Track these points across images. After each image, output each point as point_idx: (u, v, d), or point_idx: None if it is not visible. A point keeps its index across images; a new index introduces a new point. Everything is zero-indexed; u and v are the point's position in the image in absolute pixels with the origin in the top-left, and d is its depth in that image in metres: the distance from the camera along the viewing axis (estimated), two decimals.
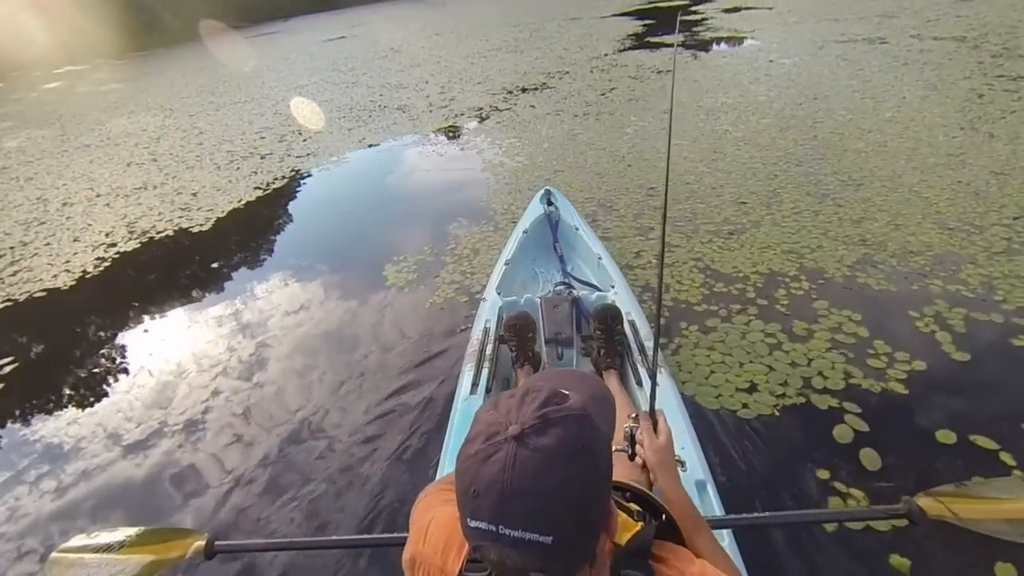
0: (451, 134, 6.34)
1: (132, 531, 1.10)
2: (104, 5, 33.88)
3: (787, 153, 4.48)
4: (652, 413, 1.03)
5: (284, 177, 5.68)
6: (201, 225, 4.76)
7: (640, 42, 10.46)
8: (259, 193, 5.32)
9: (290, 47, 19.76)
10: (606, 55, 9.55)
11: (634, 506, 0.82)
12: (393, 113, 7.64)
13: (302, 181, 5.59)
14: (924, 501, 0.98)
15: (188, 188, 5.73)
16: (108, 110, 11.84)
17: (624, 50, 9.82)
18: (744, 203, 3.75)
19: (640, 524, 0.73)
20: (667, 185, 1.30)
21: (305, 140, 6.89)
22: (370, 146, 6.37)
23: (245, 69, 15.09)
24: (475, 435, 0.56)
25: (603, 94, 6.93)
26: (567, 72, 8.59)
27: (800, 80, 6.50)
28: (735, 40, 9.59)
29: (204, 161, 6.62)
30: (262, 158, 6.39)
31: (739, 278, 2.96)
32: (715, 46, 9.33)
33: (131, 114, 10.81)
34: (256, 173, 5.88)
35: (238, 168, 6.15)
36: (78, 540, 1.11)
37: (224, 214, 4.94)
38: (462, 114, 7.05)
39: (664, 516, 0.85)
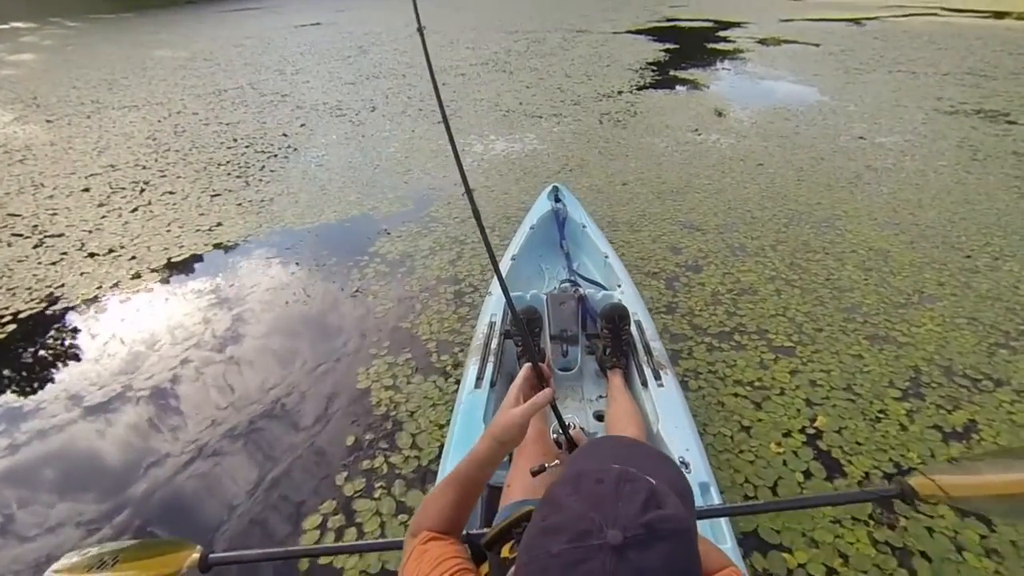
0: (357, 243, 3.57)
1: (125, 544, 0.99)
2: None
3: None
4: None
5: None
6: None
7: (663, 75, 7.73)
8: None
9: (254, 30, 16.52)
10: (620, 93, 6.81)
11: None
12: (297, 167, 4.82)
13: (23, 356, 2.80)
14: (916, 480, 0.93)
15: None
16: None
17: (644, 87, 7.08)
18: None
19: None
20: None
21: (126, 222, 4.00)
22: (213, 249, 3.56)
23: (182, 53, 11.97)
24: (556, 526, 0.45)
25: (624, 183, 4.18)
26: (565, 116, 5.84)
27: (934, 194, 3.86)
28: (790, 92, 6.90)
29: None
30: (9, 272, 3.51)
31: None
32: (764, 98, 6.63)
33: None
34: None
35: None
36: (70, 557, 0.97)
37: None
38: (395, 177, 4.28)
39: None
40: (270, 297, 2.95)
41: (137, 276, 3.18)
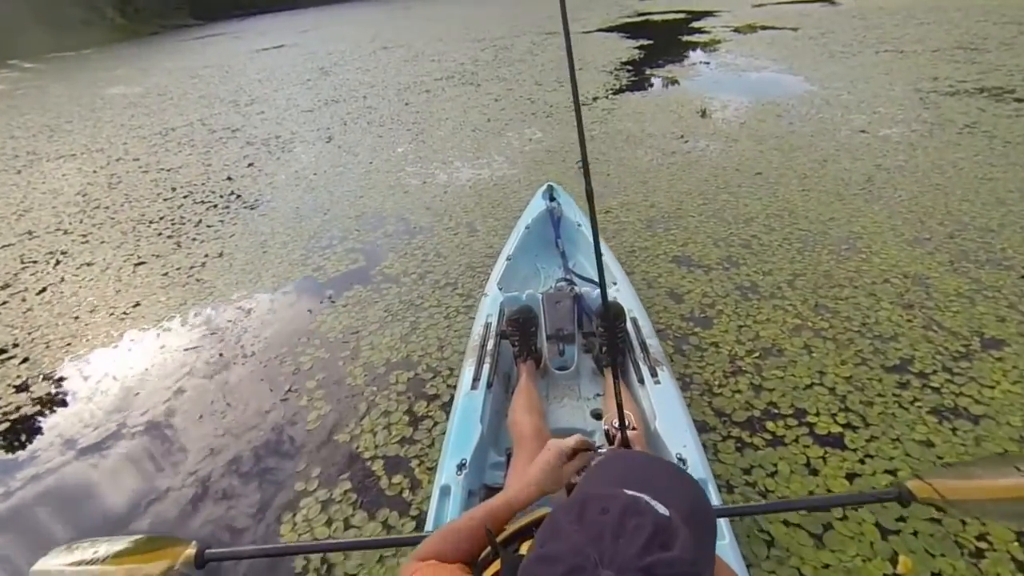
0: (295, 319, 2.99)
1: (117, 541, 0.94)
2: None
3: None
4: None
5: None
6: None
7: (639, 75, 7.19)
8: None
9: (217, 57, 15.87)
10: (595, 100, 6.25)
11: None
12: (238, 219, 4.22)
13: None
14: (914, 484, 0.92)
15: None
16: None
17: (620, 90, 6.54)
18: None
19: None
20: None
21: (28, 309, 3.40)
22: (122, 340, 2.95)
23: (136, 89, 11.31)
24: (553, 556, 0.41)
25: (607, 211, 3.61)
26: (537, 131, 5.28)
27: (960, 196, 3.31)
28: (776, 83, 6.37)
29: None
30: None
31: None
32: (750, 92, 6.08)
33: None
34: None
35: None
36: (57, 553, 0.93)
37: None
38: (346, 225, 3.70)
39: None
40: (180, 410, 2.34)
41: (24, 388, 2.57)
